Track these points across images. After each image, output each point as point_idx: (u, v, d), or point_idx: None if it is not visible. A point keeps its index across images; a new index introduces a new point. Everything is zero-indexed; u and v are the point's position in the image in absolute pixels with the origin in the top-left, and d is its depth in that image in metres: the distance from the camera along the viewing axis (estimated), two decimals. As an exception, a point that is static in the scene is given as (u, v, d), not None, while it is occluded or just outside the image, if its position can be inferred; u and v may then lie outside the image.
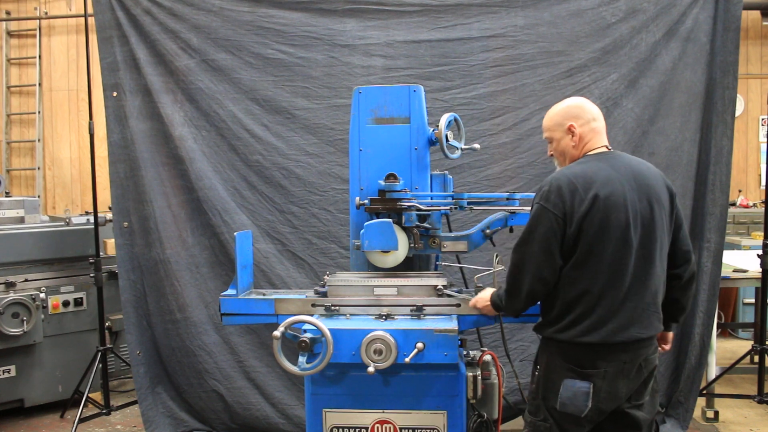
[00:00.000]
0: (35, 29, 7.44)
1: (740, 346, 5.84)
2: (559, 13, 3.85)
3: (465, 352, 2.66)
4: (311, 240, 3.95)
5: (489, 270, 2.69)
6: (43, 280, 4.53)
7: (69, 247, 4.63)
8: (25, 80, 7.54)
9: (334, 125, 3.91)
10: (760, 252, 4.14)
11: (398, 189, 2.81)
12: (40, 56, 7.43)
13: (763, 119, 7.51)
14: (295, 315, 2.55)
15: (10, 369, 4.40)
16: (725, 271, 4.24)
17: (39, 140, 7.45)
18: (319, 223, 3.95)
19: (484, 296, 2.54)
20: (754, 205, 7.15)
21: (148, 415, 3.99)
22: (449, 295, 2.65)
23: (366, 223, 2.77)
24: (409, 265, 2.92)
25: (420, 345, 2.40)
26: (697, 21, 3.82)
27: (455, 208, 2.84)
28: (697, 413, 4.16)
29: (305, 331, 2.45)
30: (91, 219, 4.44)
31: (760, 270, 4.16)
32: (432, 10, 3.89)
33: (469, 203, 2.83)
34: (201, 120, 3.98)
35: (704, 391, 4.22)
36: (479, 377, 2.53)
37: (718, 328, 4.66)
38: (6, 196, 5.75)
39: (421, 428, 2.56)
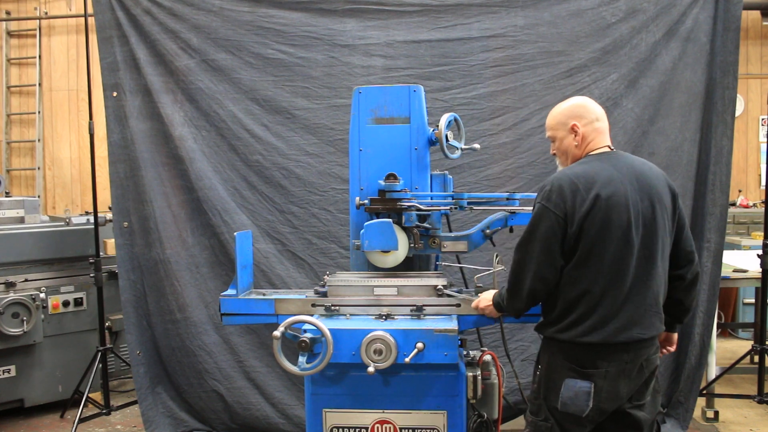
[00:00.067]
0: (35, 29, 7.44)
1: (740, 346, 5.84)
2: (559, 13, 3.85)
3: (465, 352, 2.66)
4: (311, 240, 3.95)
5: (489, 270, 2.69)
6: (43, 280, 4.53)
7: (69, 247, 4.63)
8: (25, 80, 7.54)
9: (334, 125, 3.91)
10: (760, 252, 4.14)
11: (398, 189, 2.81)
12: (40, 56, 7.43)
13: (763, 119, 7.51)
14: (295, 315, 2.55)
15: (10, 369, 4.40)
16: (725, 271, 4.25)
17: (39, 140, 7.45)
18: (319, 223, 3.95)
19: (487, 297, 2.54)
20: (754, 205, 7.15)
21: (148, 415, 3.99)
22: (449, 295, 2.65)
23: (366, 223, 2.77)
24: (409, 265, 2.92)
25: (420, 345, 2.40)
26: (697, 21, 3.82)
27: (455, 208, 2.84)
28: (697, 413, 4.16)
29: (305, 331, 2.45)
30: (91, 219, 4.44)
31: (760, 270, 4.16)
32: (432, 10, 3.89)
33: (469, 203, 2.83)
34: (201, 120, 3.98)
35: (704, 391, 4.22)
36: (479, 377, 2.53)
37: (718, 328, 4.66)
38: (6, 196, 5.75)
39: (421, 428, 2.56)
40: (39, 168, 7.45)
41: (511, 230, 2.83)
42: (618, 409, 2.28)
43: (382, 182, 2.82)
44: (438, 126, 2.90)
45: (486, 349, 2.72)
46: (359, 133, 2.98)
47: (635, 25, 3.83)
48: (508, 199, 2.80)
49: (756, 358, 4.42)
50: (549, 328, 2.31)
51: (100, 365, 4.33)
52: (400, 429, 2.56)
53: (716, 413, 4.26)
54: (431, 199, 2.87)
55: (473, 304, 2.59)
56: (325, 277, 2.83)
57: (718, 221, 3.85)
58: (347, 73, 3.90)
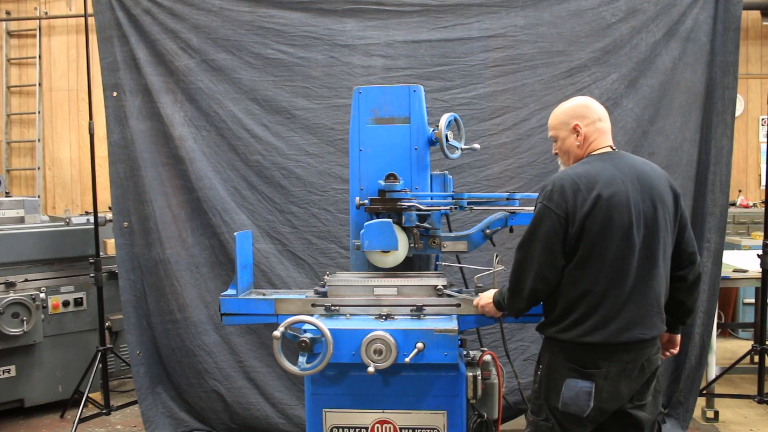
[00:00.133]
0: (35, 29, 7.44)
1: (740, 346, 5.84)
2: (559, 13, 3.85)
3: (465, 352, 2.66)
4: (311, 240, 3.95)
5: (489, 270, 2.69)
6: (43, 280, 4.53)
7: (69, 247, 4.63)
8: (25, 80, 7.54)
9: (334, 125, 3.91)
10: (760, 252, 4.14)
11: (398, 189, 2.81)
12: (40, 56, 7.43)
13: (763, 119, 7.51)
14: (295, 315, 2.55)
15: (10, 369, 4.40)
16: (725, 271, 4.25)
17: (39, 140, 7.45)
18: (319, 223, 3.94)
19: (487, 296, 2.54)
20: (754, 205, 7.14)
21: (148, 415, 3.99)
22: (449, 295, 2.65)
23: (366, 223, 2.77)
24: (409, 265, 2.92)
25: (420, 345, 2.40)
26: (697, 21, 3.82)
27: (455, 208, 2.83)
28: (697, 413, 4.16)
29: (305, 331, 2.45)
30: (91, 219, 4.44)
31: (760, 270, 4.16)
32: (432, 10, 3.89)
33: (469, 203, 2.83)
34: (201, 120, 3.98)
35: (704, 391, 4.22)
36: (479, 377, 2.53)
37: (718, 328, 4.66)
38: (6, 196, 5.75)
39: (421, 428, 2.56)
40: (39, 168, 7.45)
41: (511, 230, 2.83)
42: (619, 409, 2.28)
43: (382, 182, 2.82)
44: (438, 126, 2.89)
45: (486, 349, 2.72)
46: (359, 133, 2.98)
47: (635, 25, 3.83)
48: (508, 199, 2.80)
49: (756, 358, 4.42)
50: (550, 327, 2.30)
51: (100, 365, 4.33)
52: (400, 429, 2.56)
53: (716, 413, 4.26)
54: (431, 199, 2.87)
55: (474, 302, 2.59)
56: (325, 277, 2.83)
57: (718, 221, 3.85)
58: (347, 73, 3.90)
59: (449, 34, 3.89)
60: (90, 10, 4.12)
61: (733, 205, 6.99)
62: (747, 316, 6.11)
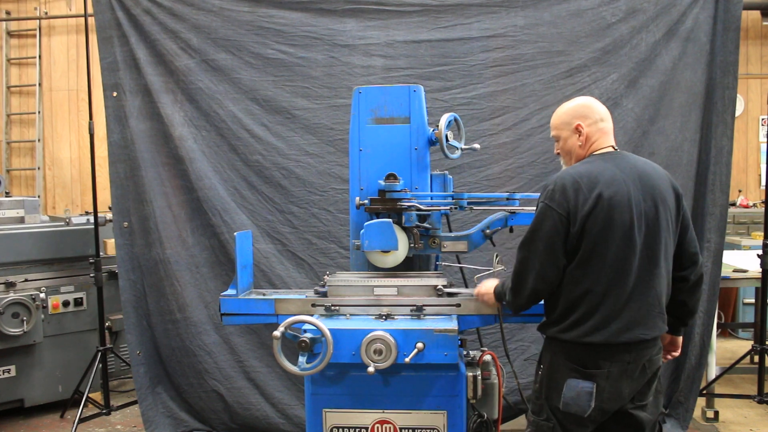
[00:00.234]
0: (35, 29, 7.44)
1: (740, 346, 5.84)
2: (559, 13, 3.85)
3: (465, 352, 2.66)
4: (311, 240, 3.95)
5: (489, 270, 2.70)
6: (43, 280, 4.53)
7: (69, 247, 4.63)
8: (25, 80, 7.54)
9: (334, 125, 3.91)
10: (760, 252, 4.14)
11: (398, 189, 2.81)
12: (40, 56, 7.43)
13: (763, 119, 7.51)
14: (295, 315, 2.55)
15: (10, 369, 4.40)
16: (725, 271, 4.25)
17: (39, 140, 7.45)
18: (319, 223, 3.95)
19: (488, 285, 2.54)
20: (754, 205, 7.14)
21: (148, 415, 3.99)
22: (450, 294, 2.65)
23: (366, 223, 2.77)
24: (409, 265, 2.92)
25: (420, 345, 2.40)
26: (697, 21, 3.82)
27: (455, 208, 2.84)
28: (697, 413, 4.16)
29: (305, 331, 2.45)
30: (91, 219, 4.44)
31: (760, 270, 4.16)
32: (432, 10, 3.89)
33: (469, 203, 2.83)
34: (201, 120, 3.98)
35: (704, 391, 4.22)
36: (479, 377, 2.53)
37: (718, 328, 4.66)
38: (6, 196, 5.76)
39: (421, 428, 2.56)
40: (39, 168, 7.45)
41: (511, 230, 2.83)
42: (620, 409, 2.28)
43: (382, 182, 2.82)
44: (438, 126, 2.89)
45: (486, 349, 2.72)
46: (359, 133, 2.98)
47: (635, 25, 3.83)
48: (508, 199, 2.80)
49: (756, 358, 4.42)
50: (551, 327, 2.30)
51: (100, 365, 4.33)
52: (400, 429, 2.56)
53: (716, 413, 4.26)
54: (431, 199, 2.87)
55: (475, 292, 2.60)
56: (325, 277, 2.83)
57: (718, 221, 3.85)
58: (347, 73, 3.90)
59: (449, 34, 3.89)
60: (90, 10, 4.12)
61: (733, 205, 6.99)
62: (747, 316, 6.11)
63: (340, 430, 2.59)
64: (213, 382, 3.99)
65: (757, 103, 7.44)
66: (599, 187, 2.19)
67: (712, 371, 4.25)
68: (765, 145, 7.51)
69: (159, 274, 3.99)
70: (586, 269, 2.21)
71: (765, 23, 7.25)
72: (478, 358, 2.63)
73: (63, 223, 4.76)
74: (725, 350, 5.79)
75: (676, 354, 2.60)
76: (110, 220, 4.28)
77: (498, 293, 2.48)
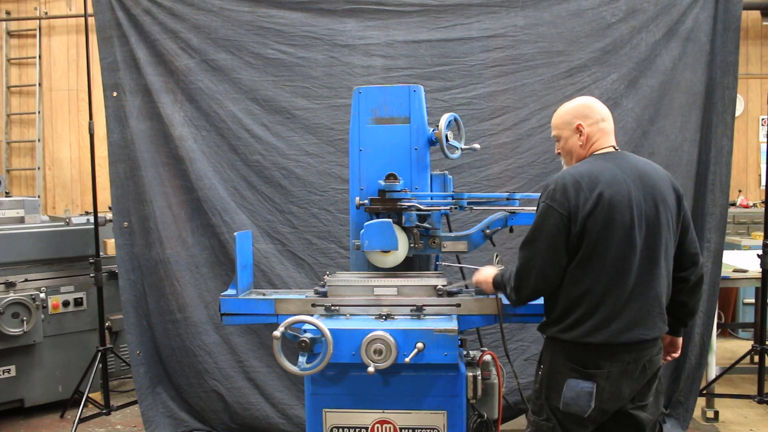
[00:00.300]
0: (35, 29, 7.44)
1: (740, 346, 5.84)
2: (559, 13, 3.85)
3: (465, 352, 2.66)
4: (311, 240, 3.95)
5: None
6: (43, 280, 4.53)
7: (69, 247, 4.63)
8: (25, 80, 7.54)
9: (334, 125, 3.91)
10: (760, 252, 4.14)
11: (398, 189, 2.80)
12: (40, 56, 7.43)
13: (763, 119, 7.51)
14: (295, 315, 2.55)
15: (10, 369, 4.40)
16: (725, 271, 4.25)
17: (39, 140, 7.45)
18: (319, 223, 3.95)
19: (487, 272, 2.54)
20: (754, 205, 7.14)
21: (148, 415, 3.99)
22: (450, 294, 2.65)
23: (366, 223, 2.77)
24: (409, 265, 2.92)
25: (420, 345, 2.40)
26: (697, 21, 3.82)
27: (455, 208, 2.83)
28: (697, 413, 4.16)
29: (305, 331, 2.44)
30: (91, 219, 4.44)
31: (760, 270, 4.16)
32: (432, 10, 3.89)
33: (469, 203, 2.83)
34: (201, 120, 3.98)
35: (704, 391, 4.22)
36: (479, 377, 2.53)
37: (718, 328, 4.66)
38: (6, 196, 5.76)
39: (421, 428, 2.56)
40: (39, 168, 7.45)
41: (511, 230, 2.83)
42: (620, 409, 2.28)
43: (382, 182, 2.82)
44: (438, 126, 2.89)
45: (486, 349, 2.72)
46: (359, 133, 2.98)
47: (635, 25, 3.83)
48: (508, 199, 2.80)
49: (756, 358, 4.42)
50: (551, 327, 2.30)
51: (100, 365, 4.33)
52: (400, 429, 2.56)
53: (716, 413, 4.26)
54: (431, 199, 2.87)
55: (473, 279, 2.61)
56: (325, 277, 2.83)
57: (718, 221, 3.85)
58: (347, 73, 3.90)
59: (449, 34, 3.89)
60: (90, 10, 4.12)
61: (733, 205, 6.99)
62: (747, 316, 6.11)
63: (340, 430, 2.59)
64: (213, 382, 3.99)
65: (757, 103, 7.44)
66: (600, 187, 2.19)
67: (712, 371, 4.25)
68: (765, 145, 7.51)
69: (159, 274, 3.99)
70: (586, 269, 2.21)
71: (765, 23, 7.25)
72: (478, 358, 2.63)
73: (63, 223, 4.76)
74: (725, 350, 5.79)
75: (676, 355, 2.59)
76: (110, 220, 4.28)
77: (497, 282, 2.47)
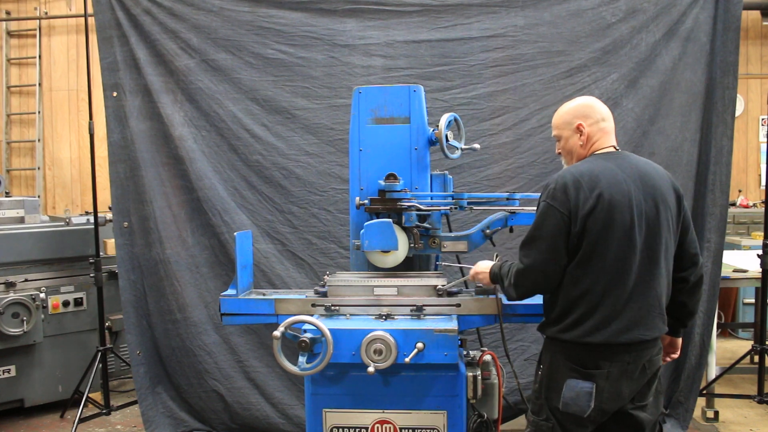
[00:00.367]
0: (35, 29, 7.44)
1: (740, 346, 5.84)
2: (559, 13, 3.85)
3: (465, 352, 2.66)
4: (311, 240, 3.95)
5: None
6: (43, 280, 4.53)
7: (69, 247, 4.63)
8: (25, 80, 7.54)
9: (334, 125, 3.91)
10: (760, 252, 4.14)
11: (398, 189, 2.80)
12: (40, 56, 7.43)
13: (763, 119, 7.51)
14: (295, 315, 2.55)
15: (10, 369, 4.40)
16: (725, 271, 4.25)
17: (39, 140, 7.45)
18: (319, 223, 3.95)
19: (484, 265, 2.54)
20: (754, 205, 7.14)
21: (148, 415, 3.99)
22: (450, 294, 2.65)
23: (366, 223, 2.77)
24: (409, 265, 2.92)
25: (420, 345, 2.40)
26: (697, 21, 3.82)
27: (455, 208, 2.83)
28: (697, 413, 4.16)
29: (305, 331, 2.44)
30: (91, 219, 4.44)
31: (760, 270, 4.16)
32: (432, 10, 3.89)
33: (469, 203, 2.83)
34: (201, 120, 3.98)
35: (704, 391, 4.22)
36: (479, 377, 2.53)
37: (718, 328, 4.66)
38: (6, 196, 5.75)
39: (421, 428, 2.56)
40: (39, 168, 7.45)
41: (511, 230, 2.83)
42: (620, 409, 2.28)
43: (382, 182, 2.82)
44: (438, 126, 2.89)
45: (486, 349, 2.72)
46: (359, 133, 2.98)
47: (635, 25, 3.83)
48: (508, 199, 2.80)
49: (756, 358, 4.42)
50: (551, 327, 2.30)
51: (100, 365, 4.33)
52: (400, 429, 2.56)
53: (716, 413, 4.26)
54: (431, 199, 2.87)
55: (471, 272, 2.61)
56: (325, 277, 2.83)
57: (718, 221, 3.85)
58: (347, 73, 3.90)
59: (449, 34, 3.89)
60: (90, 10, 4.12)
61: (733, 205, 6.99)
62: (747, 316, 6.11)
63: (340, 430, 2.59)
64: (213, 382, 3.99)
65: (757, 103, 7.44)
66: (600, 187, 2.19)
67: (712, 371, 4.25)
68: (765, 145, 7.51)
69: (159, 274, 3.99)
70: (586, 269, 2.21)
71: (765, 23, 7.25)
72: (478, 358, 2.63)
73: (63, 223, 4.76)
74: (725, 350, 5.79)
75: (676, 356, 2.59)
76: (110, 220, 4.28)
77: (494, 275, 2.47)
